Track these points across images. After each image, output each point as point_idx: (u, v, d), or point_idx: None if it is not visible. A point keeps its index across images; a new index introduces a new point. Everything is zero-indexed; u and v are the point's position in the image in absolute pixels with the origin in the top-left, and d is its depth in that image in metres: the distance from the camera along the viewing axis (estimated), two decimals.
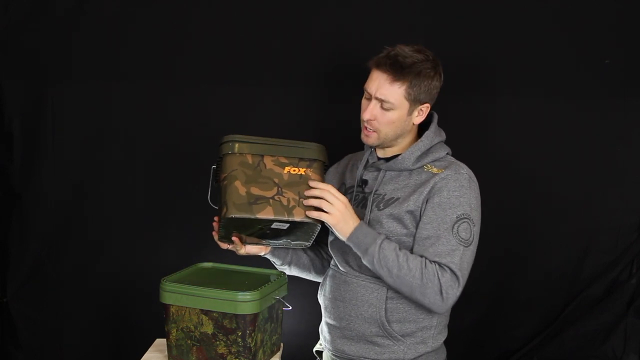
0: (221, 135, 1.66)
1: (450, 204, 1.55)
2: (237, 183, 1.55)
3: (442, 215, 1.54)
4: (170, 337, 1.69)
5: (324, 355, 1.78)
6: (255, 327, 1.61)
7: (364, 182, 1.70)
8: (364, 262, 1.57)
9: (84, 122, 2.19)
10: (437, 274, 1.51)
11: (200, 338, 1.64)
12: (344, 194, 1.66)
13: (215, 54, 2.16)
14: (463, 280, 1.53)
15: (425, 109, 1.62)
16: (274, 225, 1.57)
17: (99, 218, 2.22)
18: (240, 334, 1.60)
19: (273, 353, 1.77)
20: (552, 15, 2.10)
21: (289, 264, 1.80)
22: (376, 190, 1.65)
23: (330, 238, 1.73)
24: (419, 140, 1.64)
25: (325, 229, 1.64)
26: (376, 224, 1.60)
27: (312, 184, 1.59)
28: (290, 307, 1.76)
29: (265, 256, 1.77)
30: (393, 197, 1.61)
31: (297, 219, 1.55)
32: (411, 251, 1.56)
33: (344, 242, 1.60)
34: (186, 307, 1.64)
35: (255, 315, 1.60)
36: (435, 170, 1.61)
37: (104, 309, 2.25)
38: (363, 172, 1.71)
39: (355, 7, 2.12)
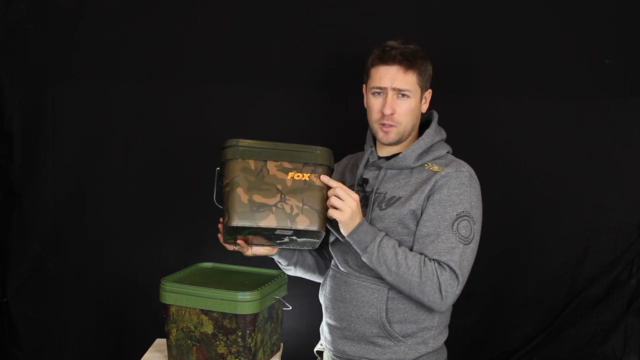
0: (221, 135, 1.64)
1: (451, 202, 1.55)
2: (240, 190, 1.52)
3: (442, 212, 1.54)
4: (170, 337, 1.69)
5: (325, 355, 1.78)
6: (255, 327, 1.61)
7: (365, 181, 1.69)
8: (363, 259, 1.57)
9: (84, 122, 2.19)
10: (436, 272, 1.50)
11: (200, 338, 1.64)
12: None
13: (216, 55, 2.16)
14: (463, 279, 1.53)
15: (429, 95, 1.67)
16: (278, 232, 1.55)
17: (99, 218, 2.21)
18: (240, 334, 1.60)
19: (273, 353, 1.77)
20: (553, 15, 2.10)
21: (295, 265, 1.79)
22: (377, 189, 1.65)
23: (331, 239, 1.73)
24: (420, 138, 1.65)
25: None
26: (378, 223, 1.60)
27: (323, 179, 1.56)
28: (290, 307, 1.76)
29: (272, 257, 1.76)
30: (394, 196, 1.61)
31: (301, 227, 1.52)
32: (411, 249, 1.56)
33: (344, 242, 1.59)
34: (186, 307, 1.64)
35: (255, 315, 1.60)
36: (436, 168, 1.61)
37: (104, 309, 2.25)
38: (363, 171, 1.71)
39: (358, 9, 2.12)
